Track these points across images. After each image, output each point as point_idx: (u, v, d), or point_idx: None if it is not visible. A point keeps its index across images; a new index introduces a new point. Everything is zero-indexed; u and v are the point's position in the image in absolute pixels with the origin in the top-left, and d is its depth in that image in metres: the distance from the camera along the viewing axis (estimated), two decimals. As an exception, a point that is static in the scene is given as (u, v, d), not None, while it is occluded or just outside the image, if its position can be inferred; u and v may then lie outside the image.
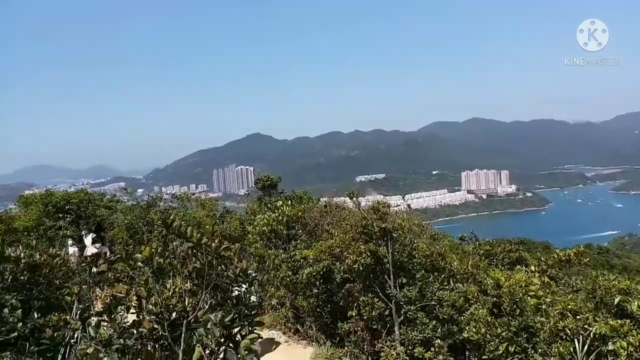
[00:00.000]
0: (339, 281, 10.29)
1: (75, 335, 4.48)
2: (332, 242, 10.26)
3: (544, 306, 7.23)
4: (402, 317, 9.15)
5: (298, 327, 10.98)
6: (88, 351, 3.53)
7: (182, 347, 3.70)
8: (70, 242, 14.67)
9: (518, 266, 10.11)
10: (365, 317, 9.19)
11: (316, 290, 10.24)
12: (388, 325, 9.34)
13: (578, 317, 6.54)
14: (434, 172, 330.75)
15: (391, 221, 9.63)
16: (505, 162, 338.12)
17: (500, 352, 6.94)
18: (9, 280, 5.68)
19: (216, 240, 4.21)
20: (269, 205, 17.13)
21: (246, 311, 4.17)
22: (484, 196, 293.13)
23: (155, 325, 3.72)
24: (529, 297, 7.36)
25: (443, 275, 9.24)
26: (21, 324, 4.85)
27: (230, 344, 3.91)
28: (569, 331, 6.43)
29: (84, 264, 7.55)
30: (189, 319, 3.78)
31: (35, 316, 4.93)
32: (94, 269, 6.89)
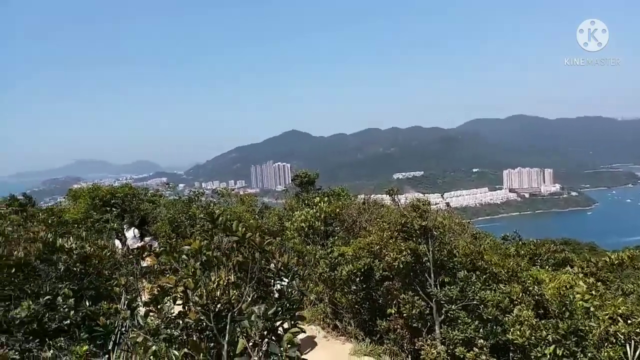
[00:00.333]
0: (378, 279, 10.21)
1: (124, 324, 4.64)
2: (371, 240, 10.18)
3: (592, 309, 6.93)
4: (442, 316, 9.00)
5: (337, 322, 10.97)
6: (138, 340, 3.65)
7: (227, 339, 3.75)
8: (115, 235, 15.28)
9: (567, 267, 9.74)
10: (405, 315, 9.07)
11: (355, 287, 10.19)
12: (428, 323, 9.19)
13: (629, 321, 6.24)
14: (474, 170, 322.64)
15: (432, 219, 9.48)
16: (549, 161, 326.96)
17: (548, 355, 6.71)
18: (62, 270, 5.97)
19: (258, 235, 4.26)
20: (306, 201, 17.17)
21: (288, 305, 4.20)
22: (527, 195, 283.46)
23: (201, 317, 3.79)
24: (578, 300, 7.07)
25: (485, 276, 9.00)
26: (73, 312, 5.09)
27: (273, 337, 3.94)
28: (620, 335, 6.14)
29: (130, 257, 7.84)
30: (234, 311, 3.83)
31: (87, 305, 5.15)
32: (141, 262, 7.13)
